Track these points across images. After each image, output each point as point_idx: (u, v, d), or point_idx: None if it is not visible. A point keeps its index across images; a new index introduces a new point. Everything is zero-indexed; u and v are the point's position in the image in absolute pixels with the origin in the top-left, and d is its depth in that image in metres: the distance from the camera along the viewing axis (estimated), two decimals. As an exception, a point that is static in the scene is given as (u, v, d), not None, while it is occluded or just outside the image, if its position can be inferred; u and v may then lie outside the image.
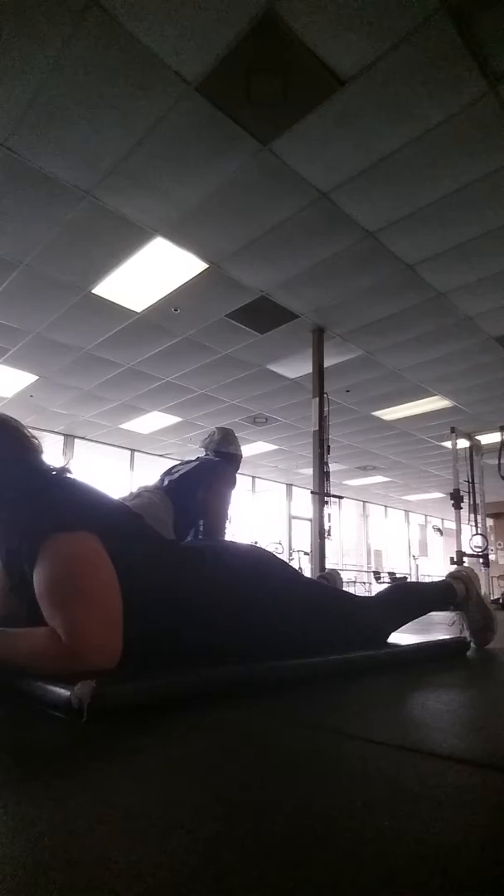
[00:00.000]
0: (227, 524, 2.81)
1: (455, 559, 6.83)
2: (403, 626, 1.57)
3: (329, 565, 4.89)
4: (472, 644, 1.64)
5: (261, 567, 1.31)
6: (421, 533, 15.33)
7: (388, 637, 1.50)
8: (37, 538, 1.00)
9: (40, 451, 1.18)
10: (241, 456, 3.00)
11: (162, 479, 2.78)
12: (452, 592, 1.64)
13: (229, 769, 0.62)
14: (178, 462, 2.93)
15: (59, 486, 1.12)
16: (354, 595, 1.76)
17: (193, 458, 2.90)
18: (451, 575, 1.72)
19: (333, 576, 2.13)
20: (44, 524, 1.01)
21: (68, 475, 1.16)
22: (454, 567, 6.86)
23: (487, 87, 2.54)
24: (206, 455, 2.94)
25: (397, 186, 3.20)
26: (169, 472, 2.82)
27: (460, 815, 0.49)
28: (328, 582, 2.04)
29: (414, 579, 13.48)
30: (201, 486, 2.67)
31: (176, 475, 2.75)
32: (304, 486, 10.85)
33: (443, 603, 1.67)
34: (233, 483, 2.86)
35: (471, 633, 1.67)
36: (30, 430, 1.20)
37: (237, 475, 2.95)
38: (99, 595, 0.97)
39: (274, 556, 1.41)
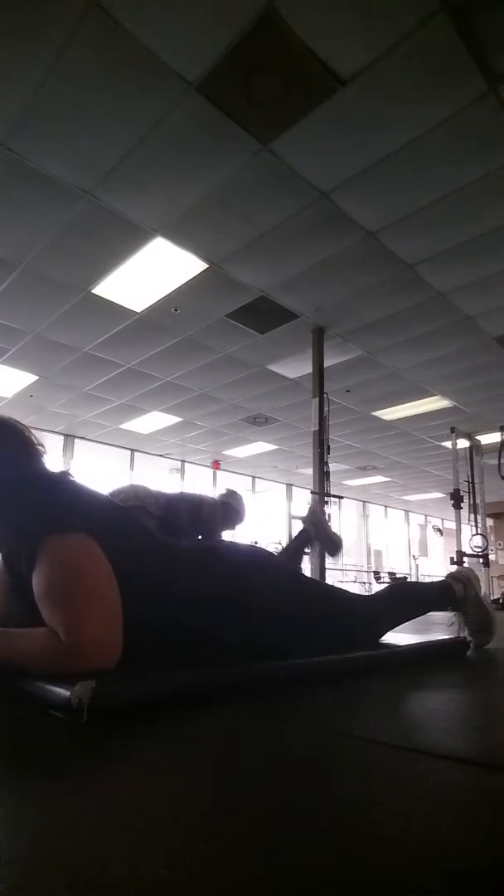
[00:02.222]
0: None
1: (455, 559, 6.82)
2: (402, 626, 1.57)
3: (329, 565, 4.88)
4: (471, 644, 1.64)
5: (260, 567, 1.31)
6: (421, 533, 15.32)
7: (382, 636, 1.50)
8: (34, 541, 1.01)
9: (42, 454, 1.18)
10: (244, 517, 2.99)
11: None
12: (451, 593, 1.63)
13: (229, 769, 0.62)
14: None
15: (56, 489, 1.12)
16: (354, 594, 1.75)
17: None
18: (450, 576, 1.71)
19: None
20: (40, 527, 1.01)
21: (67, 477, 1.16)
22: (454, 567, 6.87)
23: (487, 87, 2.54)
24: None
25: (397, 186, 3.20)
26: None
27: (461, 815, 0.49)
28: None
29: (414, 579, 13.48)
30: (201, 508, 2.70)
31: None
32: (304, 486, 10.85)
33: (441, 604, 1.66)
34: (229, 525, 2.88)
35: (468, 633, 1.66)
36: (34, 434, 1.20)
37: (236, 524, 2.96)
38: (97, 596, 0.97)
39: (273, 555, 1.41)
